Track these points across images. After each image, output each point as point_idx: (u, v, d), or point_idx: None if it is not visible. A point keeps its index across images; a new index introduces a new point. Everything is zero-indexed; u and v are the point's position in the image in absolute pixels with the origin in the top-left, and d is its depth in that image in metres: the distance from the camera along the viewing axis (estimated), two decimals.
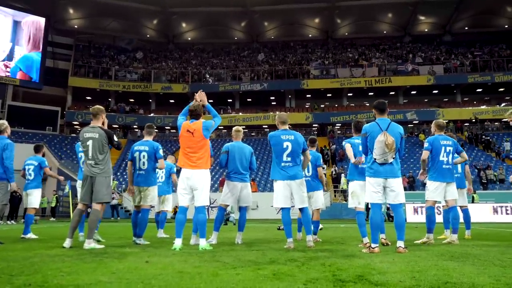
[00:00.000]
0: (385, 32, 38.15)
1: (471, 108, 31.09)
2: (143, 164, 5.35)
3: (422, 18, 36.70)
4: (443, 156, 5.31)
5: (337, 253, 4.05)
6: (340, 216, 18.92)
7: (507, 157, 24.32)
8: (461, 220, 5.85)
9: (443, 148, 5.33)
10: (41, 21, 29.80)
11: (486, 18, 35.60)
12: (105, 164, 4.61)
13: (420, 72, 31.53)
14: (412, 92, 33.67)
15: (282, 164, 4.65)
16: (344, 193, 20.80)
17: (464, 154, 5.67)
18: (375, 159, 4.17)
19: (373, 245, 4.03)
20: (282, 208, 4.68)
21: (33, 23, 29.42)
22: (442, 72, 31.31)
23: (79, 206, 4.77)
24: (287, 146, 4.65)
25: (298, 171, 4.71)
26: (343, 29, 38.29)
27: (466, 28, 36.80)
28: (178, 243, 4.34)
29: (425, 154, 5.38)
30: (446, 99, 33.51)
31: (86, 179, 4.62)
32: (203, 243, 4.35)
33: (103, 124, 4.84)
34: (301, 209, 4.80)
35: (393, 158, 4.14)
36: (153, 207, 6.53)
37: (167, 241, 5.61)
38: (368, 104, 33.12)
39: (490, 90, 32.28)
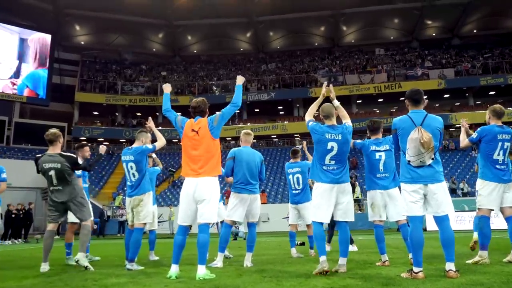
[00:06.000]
0: (392, 38, 37.48)
1: (484, 111, 29.79)
2: (133, 176, 4.66)
3: (429, 22, 35.98)
4: (498, 154, 4.19)
5: (372, 280, 3.25)
6: (355, 227, 17.92)
7: None
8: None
9: (499, 143, 4.20)
10: (47, 38, 29.92)
11: (494, 20, 34.80)
12: (72, 189, 4.36)
13: (430, 77, 30.66)
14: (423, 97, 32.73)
15: (324, 167, 3.86)
16: (359, 202, 19.83)
17: None
18: (409, 161, 3.40)
19: (415, 269, 3.23)
20: (316, 222, 3.78)
21: (40, 40, 29.55)
22: (453, 75, 30.40)
23: (49, 227, 4.32)
24: (332, 147, 3.84)
25: (345, 175, 3.92)
26: (349, 36, 37.77)
27: (475, 31, 35.96)
28: (173, 270, 3.59)
29: (466, 144, 4.64)
30: (458, 103, 32.45)
31: (57, 204, 4.37)
32: (202, 271, 3.52)
33: (62, 149, 4.58)
34: (341, 223, 3.86)
35: (432, 159, 3.36)
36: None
37: (165, 265, 4.80)
38: (378, 111, 32.21)
39: (504, 92, 31.18)
